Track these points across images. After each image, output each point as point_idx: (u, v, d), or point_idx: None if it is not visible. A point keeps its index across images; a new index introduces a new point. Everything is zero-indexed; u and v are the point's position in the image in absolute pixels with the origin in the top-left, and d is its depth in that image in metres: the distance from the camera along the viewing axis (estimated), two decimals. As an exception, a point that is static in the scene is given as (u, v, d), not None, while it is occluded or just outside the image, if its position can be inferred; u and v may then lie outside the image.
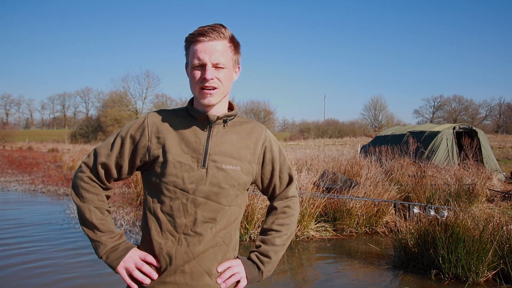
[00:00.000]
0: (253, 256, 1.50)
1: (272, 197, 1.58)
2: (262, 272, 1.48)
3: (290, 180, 1.57)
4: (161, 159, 1.37)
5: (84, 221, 1.42)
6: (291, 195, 1.57)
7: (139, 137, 1.40)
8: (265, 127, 1.54)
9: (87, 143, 42.57)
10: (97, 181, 1.44)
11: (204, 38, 1.34)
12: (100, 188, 1.45)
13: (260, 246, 1.51)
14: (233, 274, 1.42)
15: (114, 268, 1.39)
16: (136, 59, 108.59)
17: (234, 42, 1.42)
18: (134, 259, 1.38)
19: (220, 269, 1.40)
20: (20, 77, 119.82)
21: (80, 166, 1.46)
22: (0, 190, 11.04)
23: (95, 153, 1.44)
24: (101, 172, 1.43)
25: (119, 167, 1.43)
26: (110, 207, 1.48)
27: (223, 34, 1.36)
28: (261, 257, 1.49)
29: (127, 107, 54.85)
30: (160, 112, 1.47)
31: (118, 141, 1.42)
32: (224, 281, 1.40)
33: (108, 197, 1.49)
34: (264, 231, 1.54)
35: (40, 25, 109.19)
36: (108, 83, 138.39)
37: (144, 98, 55.84)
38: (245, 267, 1.45)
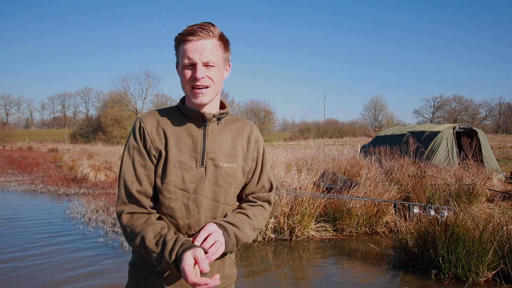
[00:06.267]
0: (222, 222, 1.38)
1: (250, 194, 1.53)
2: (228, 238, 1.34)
3: (271, 186, 1.57)
4: (162, 159, 1.36)
5: (148, 253, 1.30)
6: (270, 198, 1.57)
7: (143, 141, 1.38)
8: (255, 126, 1.55)
9: (87, 143, 42.44)
10: (137, 210, 1.36)
11: (193, 37, 1.33)
12: (142, 214, 1.36)
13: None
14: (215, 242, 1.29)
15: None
16: (136, 59, 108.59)
17: (224, 40, 1.41)
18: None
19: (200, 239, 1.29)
20: (20, 77, 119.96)
21: (117, 214, 1.38)
22: (0, 190, 11.04)
23: (123, 184, 1.37)
24: (137, 194, 1.35)
25: (147, 177, 1.37)
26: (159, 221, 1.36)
27: (212, 33, 1.36)
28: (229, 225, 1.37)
29: (127, 107, 54.79)
30: (152, 113, 1.44)
31: (134, 154, 1.38)
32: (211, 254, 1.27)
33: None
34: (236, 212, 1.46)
35: (40, 25, 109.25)
36: (108, 83, 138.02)
37: (144, 98, 55.80)
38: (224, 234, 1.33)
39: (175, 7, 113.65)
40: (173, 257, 1.24)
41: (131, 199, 1.36)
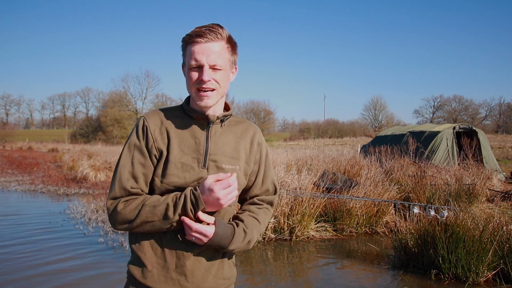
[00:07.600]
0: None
1: (255, 196, 1.55)
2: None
3: (275, 190, 1.59)
4: (163, 159, 1.36)
5: (153, 214, 1.30)
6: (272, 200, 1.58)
7: (145, 140, 1.37)
8: (259, 129, 1.56)
9: (87, 143, 42.41)
10: (132, 198, 1.35)
11: (201, 39, 1.33)
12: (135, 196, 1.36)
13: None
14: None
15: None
16: (136, 59, 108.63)
17: (232, 43, 1.41)
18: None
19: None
20: (20, 77, 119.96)
21: (107, 207, 1.36)
22: (0, 190, 11.04)
23: (119, 179, 1.35)
24: (131, 190, 1.35)
25: (144, 176, 1.36)
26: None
27: (221, 35, 1.35)
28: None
29: (127, 107, 54.80)
30: (156, 112, 1.44)
31: (134, 152, 1.37)
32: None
33: None
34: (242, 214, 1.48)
35: (40, 25, 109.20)
36: (108, 83, 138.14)
37: (144, 98, 55.83)
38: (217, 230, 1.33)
39: (175, 7, 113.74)
40: (187, 193, 1.29)
41: (125, 194, 1.35)
